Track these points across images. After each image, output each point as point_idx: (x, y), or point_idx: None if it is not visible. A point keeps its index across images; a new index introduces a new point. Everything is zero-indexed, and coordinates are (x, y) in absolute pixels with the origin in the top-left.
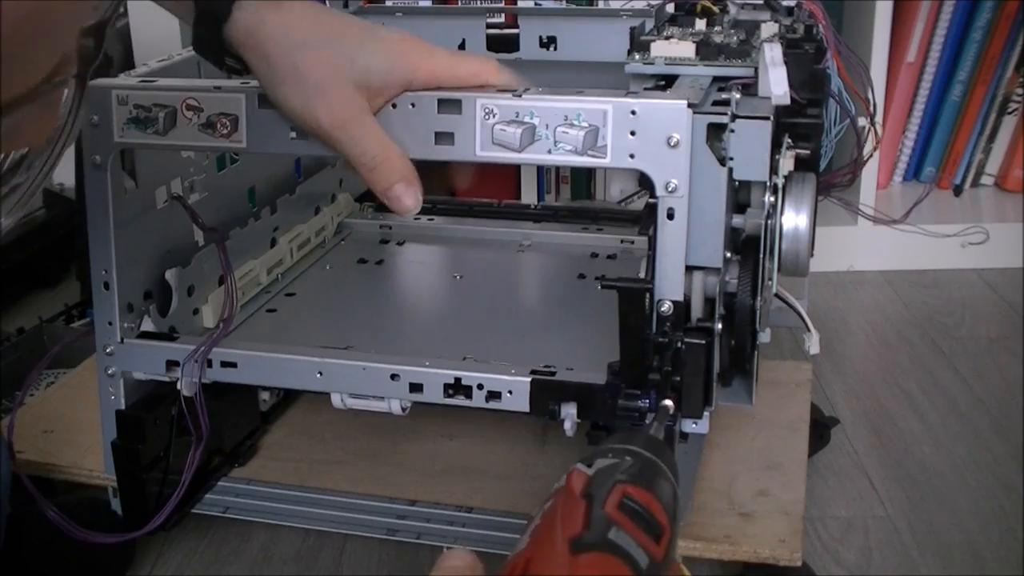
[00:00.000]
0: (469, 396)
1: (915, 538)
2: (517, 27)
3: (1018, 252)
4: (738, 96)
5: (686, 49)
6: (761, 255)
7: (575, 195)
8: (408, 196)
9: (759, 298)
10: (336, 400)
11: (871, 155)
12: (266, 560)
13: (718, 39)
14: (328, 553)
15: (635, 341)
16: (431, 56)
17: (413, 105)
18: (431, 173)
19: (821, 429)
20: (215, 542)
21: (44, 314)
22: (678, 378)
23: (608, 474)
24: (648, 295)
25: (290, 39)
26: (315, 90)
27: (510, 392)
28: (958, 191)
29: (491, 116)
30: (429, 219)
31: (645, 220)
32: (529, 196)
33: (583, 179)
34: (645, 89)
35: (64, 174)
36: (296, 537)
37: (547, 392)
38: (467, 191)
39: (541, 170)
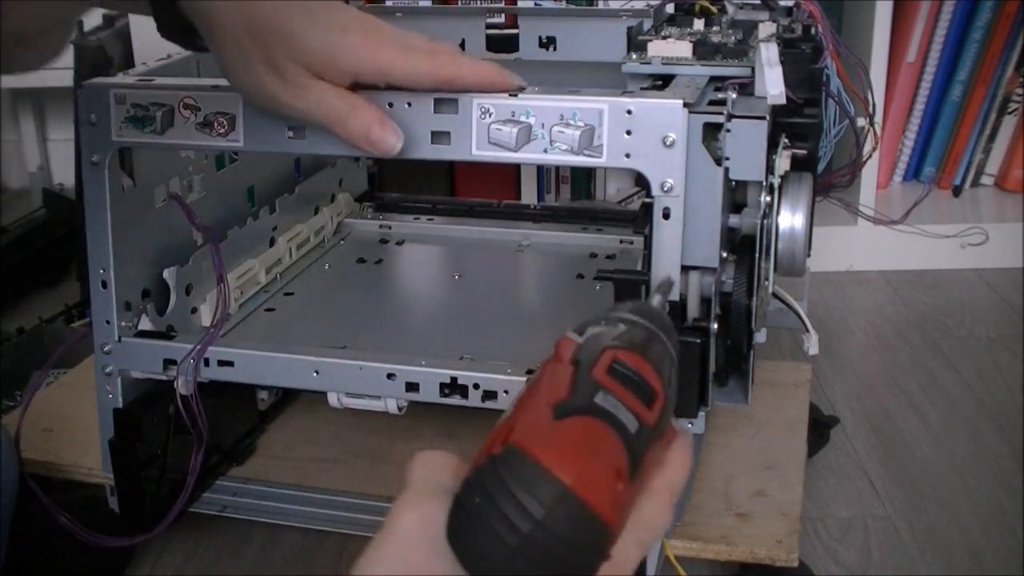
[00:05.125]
0: (465, 396)
1: (915, 538)
2: (517, 27)
3: (1018, 252)
4: (734, 96)
5: (683, 49)
6: (757, 255)
7: (575, 195)
8: (388, 135)
9: (755, 298)
10: (332, 399)
11: (870, 155)
12: (266, 560)
13: (715, 39)
14: (328, 553)
15: None
16: (377, 52)
17: (409, 104)
18: (431, 173)
19: (821, 428)
20: (215, 542)
21: (44, 314)
22: None
23: (598, 340)
24: (644, 286)
25: (235, 22)
26: (263, 68)
27: (506, 392)
28: (958, 191)
29: (487, 115)
30: (429, 219)
31: (640, 219)
32: (529, 196)
33: (583, 179)
34: (642, 89)
35: (64, 174)
36: (296, 537)
37: None
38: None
39: (541, 170)
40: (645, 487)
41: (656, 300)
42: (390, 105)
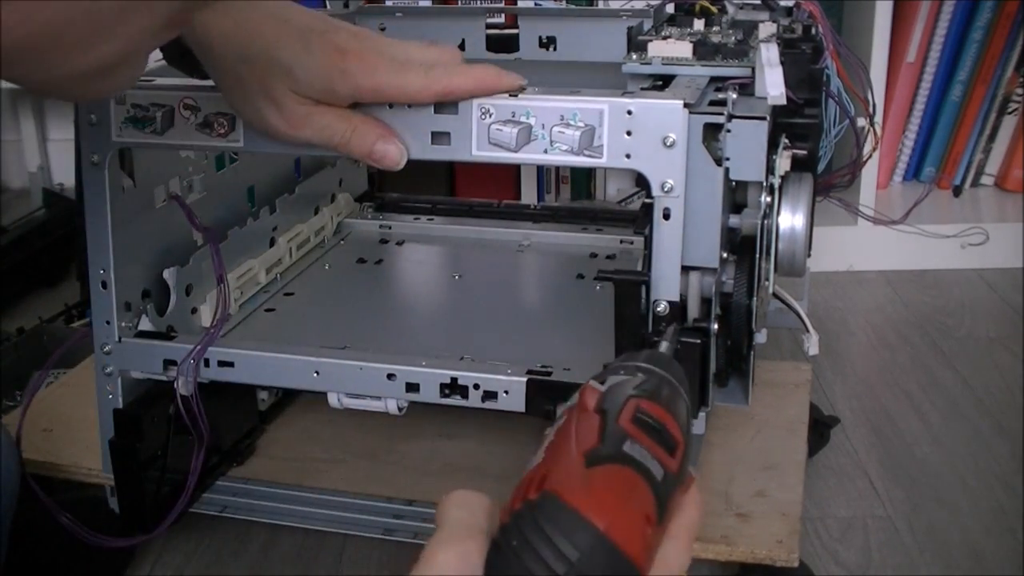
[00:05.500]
0: (465, 396)
1: (915, 538)
2: (517, 27)
3: (1018, 252)
4: (735, 96)
5: (683, 49)
6: (757, 255)
7: (575, 195)
8: (391, 150)
9: (755, 298)
10: (333, 400)
11: (870, 155)
12: (266, 560)
13: (716, 39)
14: (328, 553)
15: (630, 335)
16: (373, 74)
17: (410, 105)
18: (431, 173)
19: (821, 428)
20: (215, 542)
21: (44, 314)
22: None
23: (621, 390)
24: (644, 286)
25: (231, 50)
26: (262, 100)
27: (506, 392)
28: (958, 191)
29: (487, 116)
30: (429, 219)
31: (641, 220)
32: (529, 196)
33: (583, 179)
34: (642, 89)
35: (64, 174)
36: (296, 537)
37: (543, 392)
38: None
39: (541, 170)
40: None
41: (664, 347)
42: (390, 107)
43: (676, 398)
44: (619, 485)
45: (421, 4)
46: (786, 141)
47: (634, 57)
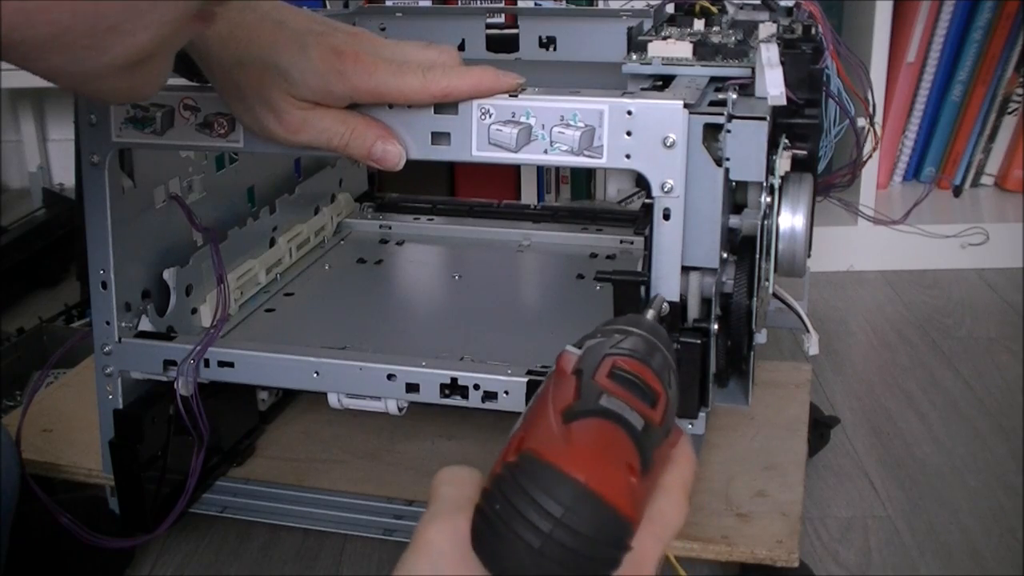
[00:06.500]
0: (465, 396)
1: (915, 538)
2: (517, 27)
3: (1018, 252)
4: (735, 96)
5: (683, 49)
6: (757, 256)
7: (575, 195)
8: (390, 151)
9: (755, 299)
10: (333, 400)
11: (870, 155)
12: (266, 560)
13: (716, 39)
14: (328, 553)
15: None
16: (371, 75)
17: (410, 106)
18: (431, 173)
19: (821, 428)
20: (215, 542)
21: (44, 314)
22: None
23: (597, 350)
24: (643, 287)
25: (228, 55)
26: (260, 107)
27: (506, 392)
28: (958, 191)
29: (487, 116)
30: (429, 219)
31: (641, 220)
32: (529, 196)
33: (583, 179)
34: (642, 89)
35: (64, 174)
36: (296, 537)
37: None
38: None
39: (541, 170)
40: (658, 485)
41: (649, 315)
42: (390, 107)
43: (656, 354)
44: (597, 437)
45: (421, 4)
46: (786, 141)
47: (634, 57)
